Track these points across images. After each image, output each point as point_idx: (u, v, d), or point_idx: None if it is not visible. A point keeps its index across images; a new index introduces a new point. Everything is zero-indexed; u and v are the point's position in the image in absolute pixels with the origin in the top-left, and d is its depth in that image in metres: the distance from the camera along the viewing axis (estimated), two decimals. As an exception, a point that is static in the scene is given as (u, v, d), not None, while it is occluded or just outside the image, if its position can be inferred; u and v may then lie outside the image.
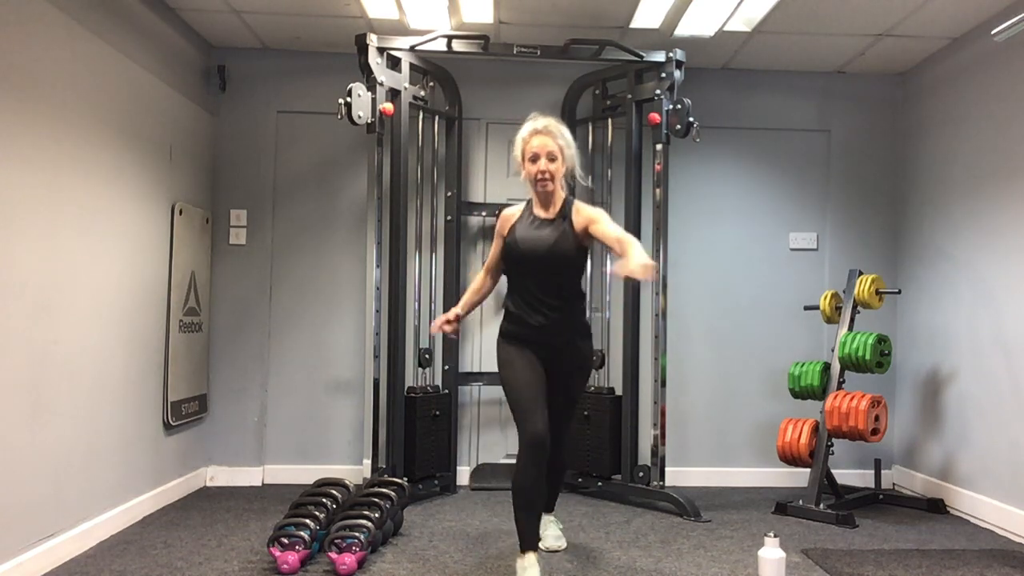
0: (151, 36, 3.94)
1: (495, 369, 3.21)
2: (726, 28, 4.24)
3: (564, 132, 3.09)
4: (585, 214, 3.05)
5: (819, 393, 4.29)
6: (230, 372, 4.68)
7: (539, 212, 3.10)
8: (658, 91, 4.24)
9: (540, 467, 2.92)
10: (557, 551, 3.41)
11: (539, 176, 3.02)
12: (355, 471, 4.57)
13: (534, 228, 3.06)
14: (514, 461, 2.97)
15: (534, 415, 2.92)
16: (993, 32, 3.49)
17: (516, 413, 2.98)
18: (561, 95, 4.72)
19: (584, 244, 3.07)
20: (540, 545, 3.24)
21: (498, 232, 3.20)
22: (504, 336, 3.13)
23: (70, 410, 3.23)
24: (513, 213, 3.16)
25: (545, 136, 3.02)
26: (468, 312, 3.31)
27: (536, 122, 3.07)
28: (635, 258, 2.66)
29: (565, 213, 3.07)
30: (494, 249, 3.25)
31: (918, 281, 4.71)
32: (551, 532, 3.45)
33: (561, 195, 3.10)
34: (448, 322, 3.18)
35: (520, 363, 3.03)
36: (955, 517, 4.17)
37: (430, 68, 4.53)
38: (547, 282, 3.04)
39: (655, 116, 4.22)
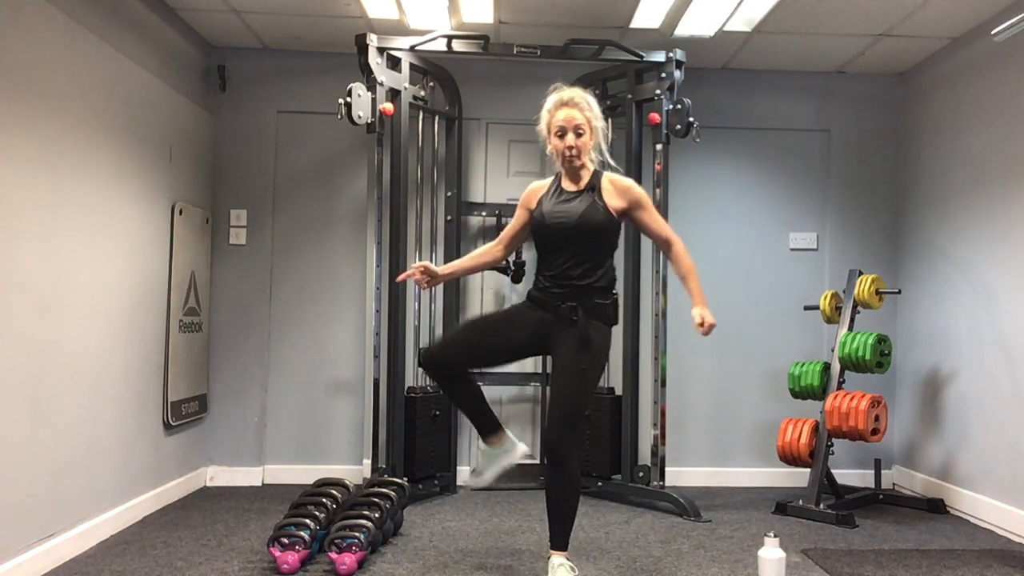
0: (151, 36, 3.94)
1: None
2: (726, 28, 4.24)
3: (592, 103, 2.94)
4: (626, 193, 2.94)
5: (819, 393, 4.29)
6: (230, 372, 4.68)
7: (567, 185, 2.97)
8: (658, 91, 4.24)
9: (441, 379, 3.04)
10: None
11: (567, 151, 2.89)
12: (355, 471, 4.57)
13: (561, 202, 2.93)
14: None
15: (453, 340, 3.17)
16: (993, 32, 3.49)
17: (448, 331, 3.08)
18: (561, 95, 4.72)
19: (616, 219, 2.92)
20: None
21: (523, 204, 3.05)
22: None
23: (70, 410, 3.24)
24: (541, 185, 3.03)
25: (572, 108, 2.88)
26: (453, 275, 3.24)
27: (562, 93, 2.93)
28: (704, 311, 2.89)
29: (593, 185, 2.93)
30: (514, 220, 3.09)
31: (918, 281, 4.71)
32: None
33: (590, 168, 2.96)
34: (422, 272, 3.00)
35: (506, 314, 3.13)
36: (955, 517, 4.17)
37: (430, 68, 4.53)
38: (575, 252, 2.88)
39: (655, 116, 4.22)
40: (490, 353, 3.08)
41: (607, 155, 3.05)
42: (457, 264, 3.23)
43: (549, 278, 2.92)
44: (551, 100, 2.94)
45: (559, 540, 2.87)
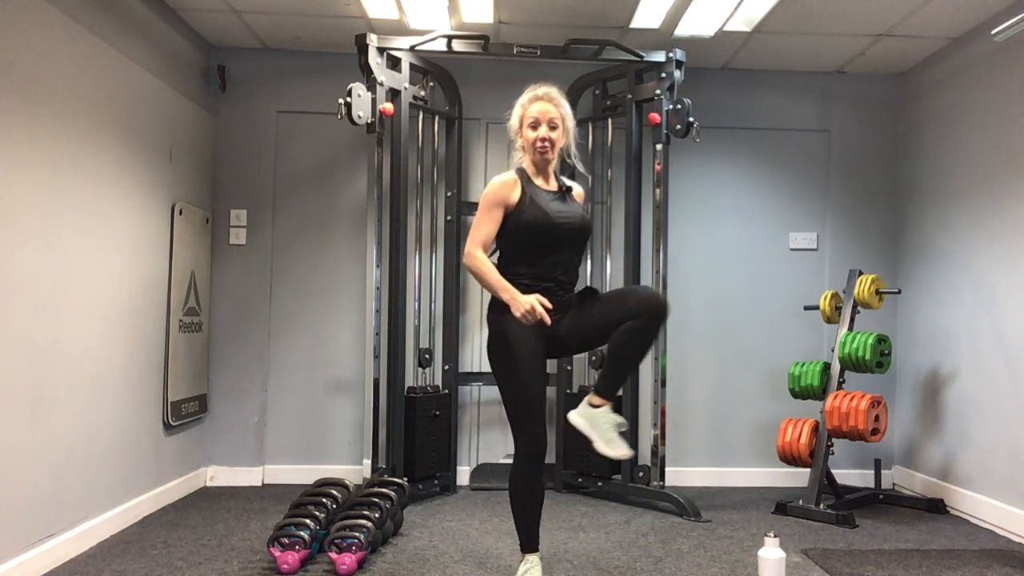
0: (151, 36, 3.94)
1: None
2: (726, 28, 4.24)
3: (565, 103, 2.94)
4: (579, 192, 3.04)
5: (819, 393, 4.29)
6: (230, 372, 4.68)
7: (541, 183, 2.91)
8: (658, 91, 4.24)
9: (538, 471, 2.82)
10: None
11: (539, 143, 2.87)
12: (355, 471, 4.57)
13: (556, 201, 2.88)
14: None
15: (536, 417, 2.78)
16: (993, 32, 3.49)
17: (515, 411, 2.79)
18: (561, 95, 4.72)
19: None
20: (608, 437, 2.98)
21: (499, 202, 2.85)
22: (501, 311, 2.82)
23: (70, 410, 3.24)
24: (510, 182, 2.88)
25: (546, 103, 2.89)
26: None
27: (537, 89, 2.93)
28: None
29: (568, 187, 2.97)
30: (493, 222, 2.86)
31: (918, 281, 4.71)
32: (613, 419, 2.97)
33: (555, 166, 2.96)
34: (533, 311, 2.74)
35: (523, 351, 2.77)
36: (955, 517, 4.17)
37: (430, 68, 4.53)
38: (571, 254, 2.91)
39: (655, 116, 4.22)
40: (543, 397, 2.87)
41: (576, 160, 3.08)
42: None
43: (540, 279, 2.83)
44: (525, 96, 2.95)
45: (612, 391, 2.98)
